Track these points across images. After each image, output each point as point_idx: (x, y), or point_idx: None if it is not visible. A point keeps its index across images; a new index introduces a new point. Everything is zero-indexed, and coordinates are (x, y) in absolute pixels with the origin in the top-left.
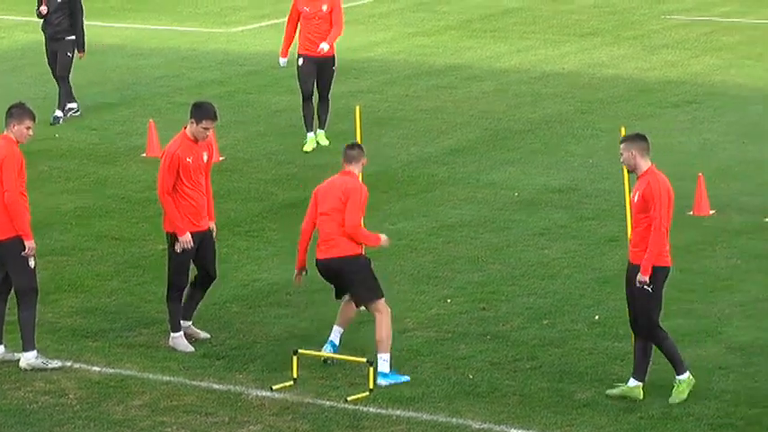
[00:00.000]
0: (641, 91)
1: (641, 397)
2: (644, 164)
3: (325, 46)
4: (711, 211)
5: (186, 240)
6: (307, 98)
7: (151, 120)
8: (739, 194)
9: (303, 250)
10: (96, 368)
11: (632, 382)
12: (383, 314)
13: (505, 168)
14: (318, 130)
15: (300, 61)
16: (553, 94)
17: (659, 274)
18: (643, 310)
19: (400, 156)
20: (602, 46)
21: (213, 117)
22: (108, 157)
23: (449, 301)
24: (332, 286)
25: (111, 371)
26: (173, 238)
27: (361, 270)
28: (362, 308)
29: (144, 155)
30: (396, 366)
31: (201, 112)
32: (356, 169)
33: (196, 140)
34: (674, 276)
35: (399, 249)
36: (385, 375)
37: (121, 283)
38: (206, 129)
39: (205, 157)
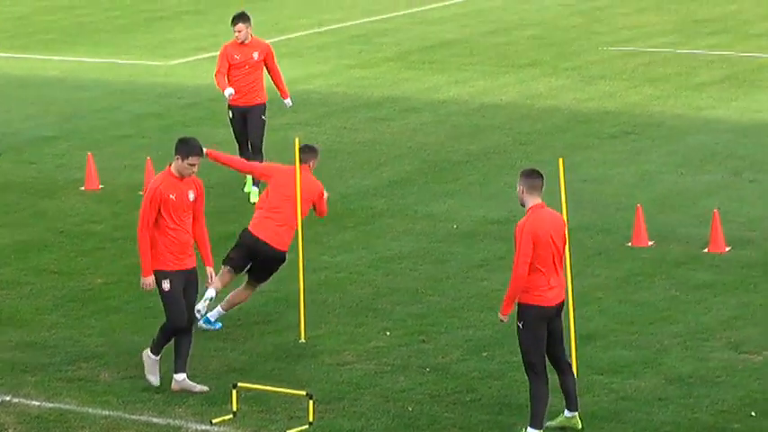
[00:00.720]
0: (579, 122)
1: (580, 426)
2: (530, 200)
3: (290, 102)
4: (650, 242)
5: (147, 283)
6: (244, 149)
7: (90, 153)
8: (678, 225)
9: None
10: (36, 402)
11: (568, 413)
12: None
13: (444, 200)
14: (253, 188)
15: (231, 114)
16: (491, 125)
17: (528, 312)
18: (520, 348)
19: (339, 188)
20: (540, 77)
21: (200, 153)
22: (46, 190)
23: (388, 333)
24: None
25: (51, 405)
26: (158, 277)
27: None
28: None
29: (83, 188)
30: (335, 399)
31: (188, 147)
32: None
33: (181, 177)
34: (614, 308)
35: (339, 282)
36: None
37: (61, 317)
38: (192, 165)
39: (191, 196)
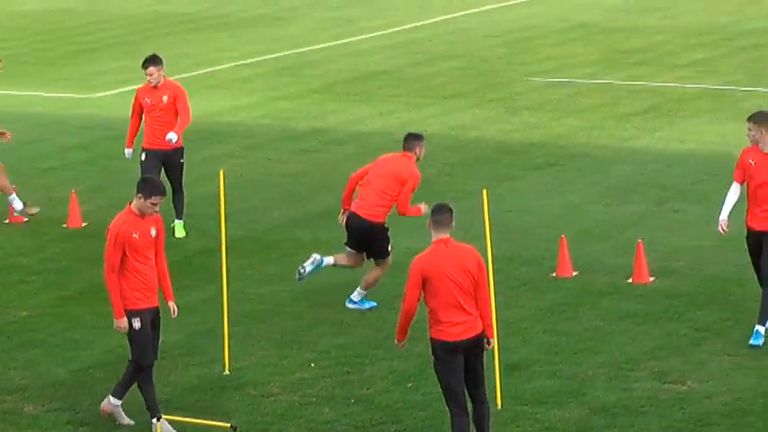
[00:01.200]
0: (504, 153)
1: None
2: (434, 235)
3: (173, 136)
4: (575, 273)
5: (121, 326)
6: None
7: (15, 186)
8: (602, 255)
9: None
10: None
11: None
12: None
13: None
14: (176, 220)
15: (143, 156)
16: None
17: (435, 345)
18: (437, 379)
19: (264, 220)
20: (465, 108)
21: (163, 192)
22: None
23: (313, 364)
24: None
25: None
26: (129, 316)
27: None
28: None
29: (7, 221)
30: (260, 431)
31: (151, 187)
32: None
33: (142, 215)
34: (538, 338)
35: (263, 314)
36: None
37: None
38: (154, 204)
39: (153, 233)
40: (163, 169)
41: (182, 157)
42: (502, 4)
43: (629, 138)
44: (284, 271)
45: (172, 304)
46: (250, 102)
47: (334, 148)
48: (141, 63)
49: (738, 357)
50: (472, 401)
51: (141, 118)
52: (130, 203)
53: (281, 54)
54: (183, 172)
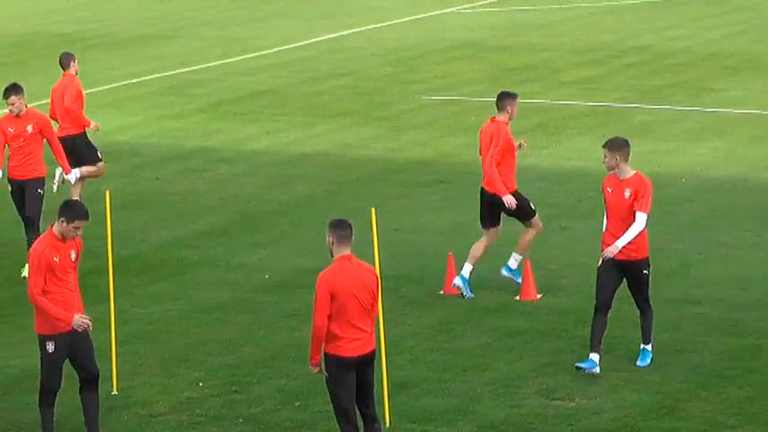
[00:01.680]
0: (391, 171)
1: None
2: (338, 251)
3: (71, 177)
4: None
5: (78, 322)
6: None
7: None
8: (490, 273)
9: None
10: None
11: None
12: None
13: (257, 250)
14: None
15: (10, 187)
16: (303, 175)
17: (331, 361)
18: (329, 397)
19: (151, 239)
20: (351, 127)
21: (86, 217)
22: None
23: (201, 384)
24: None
25: None
26: (42, 340)
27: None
28: None
29: None
30: None
31: (74, 211)
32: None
33: (64, 239)
34: (426, 356)
35: (151, 333)
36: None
37: None
38: (77, 228)
39: (73, 256)
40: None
41: (41, 188)
42: (387, 23)
43: (517, 156)
44: (172, 290)
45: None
46: (137, 121)
47: (221, 167)
48: (2, 93)
49: (625, 374)
50: (363, 420)
51: (4, 147)
52: (52, 226)
53: (168, 73)
54: (42, 204)
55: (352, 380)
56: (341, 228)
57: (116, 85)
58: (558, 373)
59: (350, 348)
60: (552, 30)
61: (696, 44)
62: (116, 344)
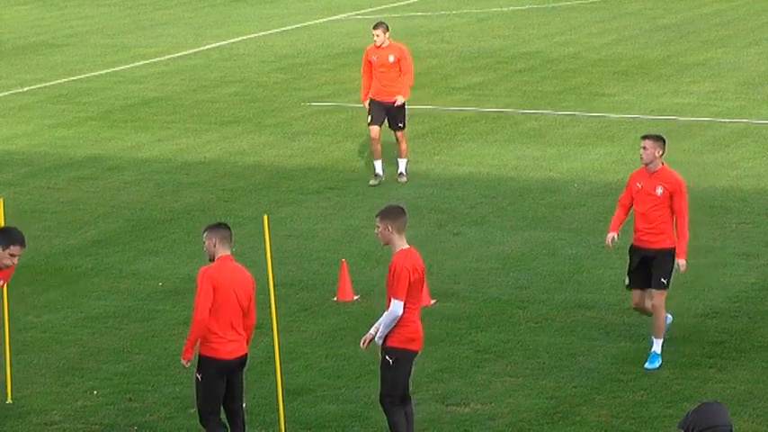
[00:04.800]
0: (283, 178)
1: None
2: (219, 252)
3: None
4: (356, 297)
5: None
6: None
7: None
8: (383, 279)
9: None
10: None
11: None
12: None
13: (149, 258)
14: None
15: None
16: (195, 182)
17: (206, 363)
18: (196, 398)
19: (43, 248)
20: (243, 134)
21: (22, 243)
22: None
23: (95, 392)
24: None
25: None
26: None
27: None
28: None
29: None
30: None
31: (9, 237)
32: None
33: None
34: (320, 363)
35: (44, 342)
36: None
37: None
38: (13, 255)
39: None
40: None
41: None
42: (275, 30)
43: (409, 161)
44: (65, 299)
45: None
46: (27, 130)
47: (112, 176)
48: None
49: (519, 378)
50: (233, 425)
51: None
52: None
53: (58, 82)
54: None
55: (223, 383)
56: (221, 228)
57: (5, 93)
58: (453, 378)
59: (227, 351)
60: (442, 36)
61: (585, 49)
62: (9, 353)
